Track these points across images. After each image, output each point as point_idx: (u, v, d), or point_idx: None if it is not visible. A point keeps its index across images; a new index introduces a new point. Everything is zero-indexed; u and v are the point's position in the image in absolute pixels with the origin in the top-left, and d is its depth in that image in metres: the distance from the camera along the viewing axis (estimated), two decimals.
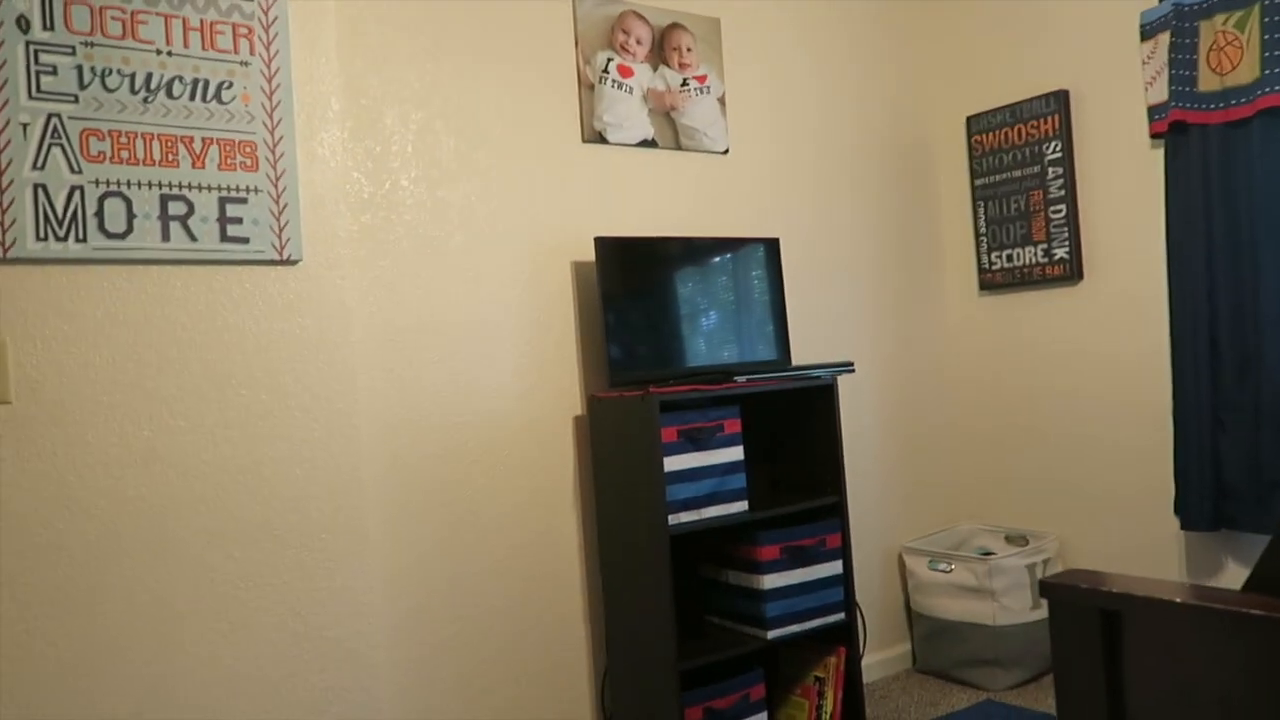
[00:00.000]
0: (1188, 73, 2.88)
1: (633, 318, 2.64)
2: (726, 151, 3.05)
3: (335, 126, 2.26)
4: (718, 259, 2.82)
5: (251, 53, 2.11)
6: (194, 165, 2.02)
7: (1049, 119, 3.30)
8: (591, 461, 2.68)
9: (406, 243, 2.44)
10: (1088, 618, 1.06)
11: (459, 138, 2.53)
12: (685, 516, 2.46)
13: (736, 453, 2.57)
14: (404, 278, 2.43)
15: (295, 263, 2.14)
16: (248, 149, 2.10)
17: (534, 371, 2.62)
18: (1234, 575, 2.89)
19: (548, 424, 2.64)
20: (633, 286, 2.65)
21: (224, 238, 2.05)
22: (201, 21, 2.05)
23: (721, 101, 3.04)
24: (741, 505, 2.56)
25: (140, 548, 1.90)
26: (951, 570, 3.19)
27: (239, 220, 2.06)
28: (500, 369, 2.56)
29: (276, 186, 2.13)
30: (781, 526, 2.65)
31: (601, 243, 2.59)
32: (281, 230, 2.13)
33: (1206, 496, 2.83)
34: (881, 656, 3.33)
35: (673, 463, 2.44)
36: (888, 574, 3.39)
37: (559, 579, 2.64)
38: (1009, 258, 3.45)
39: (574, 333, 2.70)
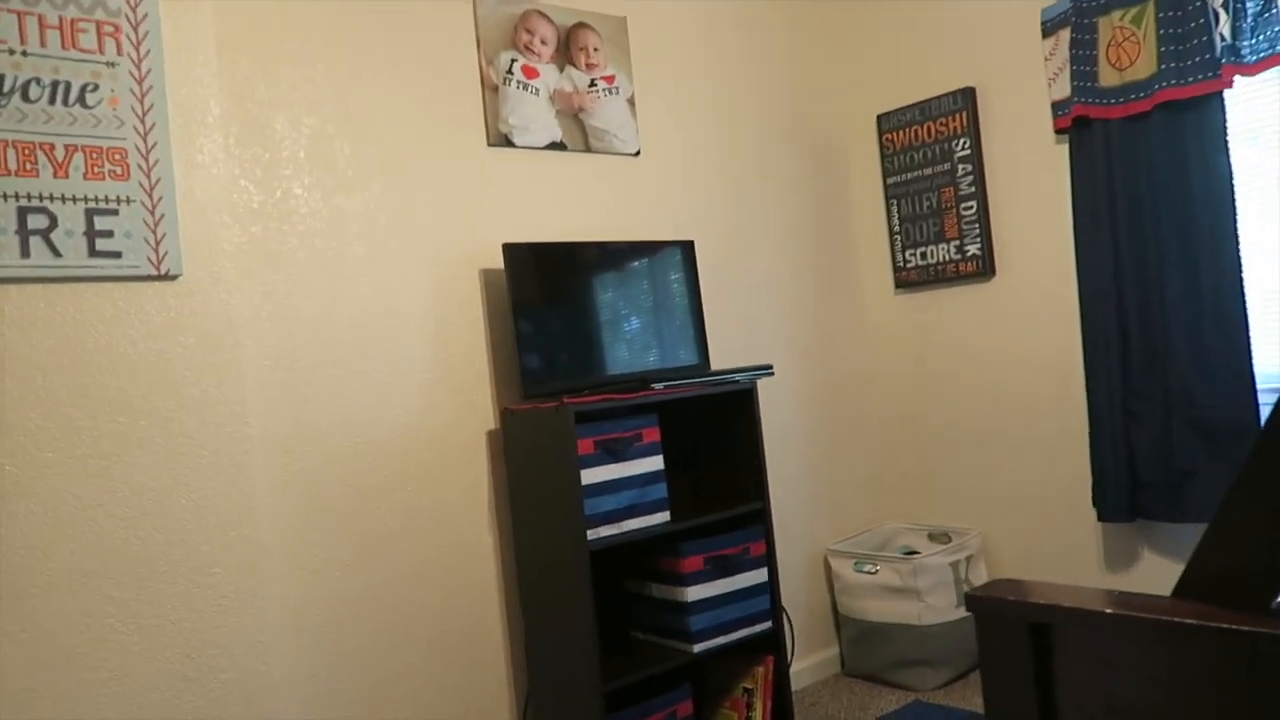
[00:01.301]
0: (1088, 68, 2.91)
1: (545, 326, 2.54)
2: (638, 153, 2.98)
3: (217, 131, 2.12)
4: (632, 263, 2.75)
5: (119, 53, 1.96)
6: (56, 175, 1.86)
7: (957, 116, 3.32)
8: (507, 476, 2.57)
9: (302, 254, 2.30)
10: (1015, 631, 1.01)
11: (356, 143, 2.41)
12: (605, 530, 2.37)
13: (656, 462, 2.49)
14: (300, 291, 2.29)
15: (174, 278, 1.99)
16: (117, 156, 1.94)
17: (443, 385, 2.50)
18: (1150, 564, 2.92)
19: (460, 439, 2.52)
20: (544, 294, 2.55)
21: (92, 252, 1.88)
22: (61, 19, 1.88)
23: (631, 102, 2.96)
24: (663, 516, 2.49)
25: (3, 594, 1.73)
26: (877, 571, 3.17)
27: (109, 233, 1.90)
28: (407, 384, 2.44)
29: (151, 196, 1.98)
30: (704, 536, 2.59)
31: (510, 249, 2.49)
32: (158, 243, 1.98)
33: (1122, 488, 2.86)
34: (810, 662, 3.29)
35: (590, 475, 2.35)
36: (813, 578, 3.36)
37: (476, 599, 2.52)
38: (923, 255, 3.45)
39: (485, 344, 2.59)
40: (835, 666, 3.37)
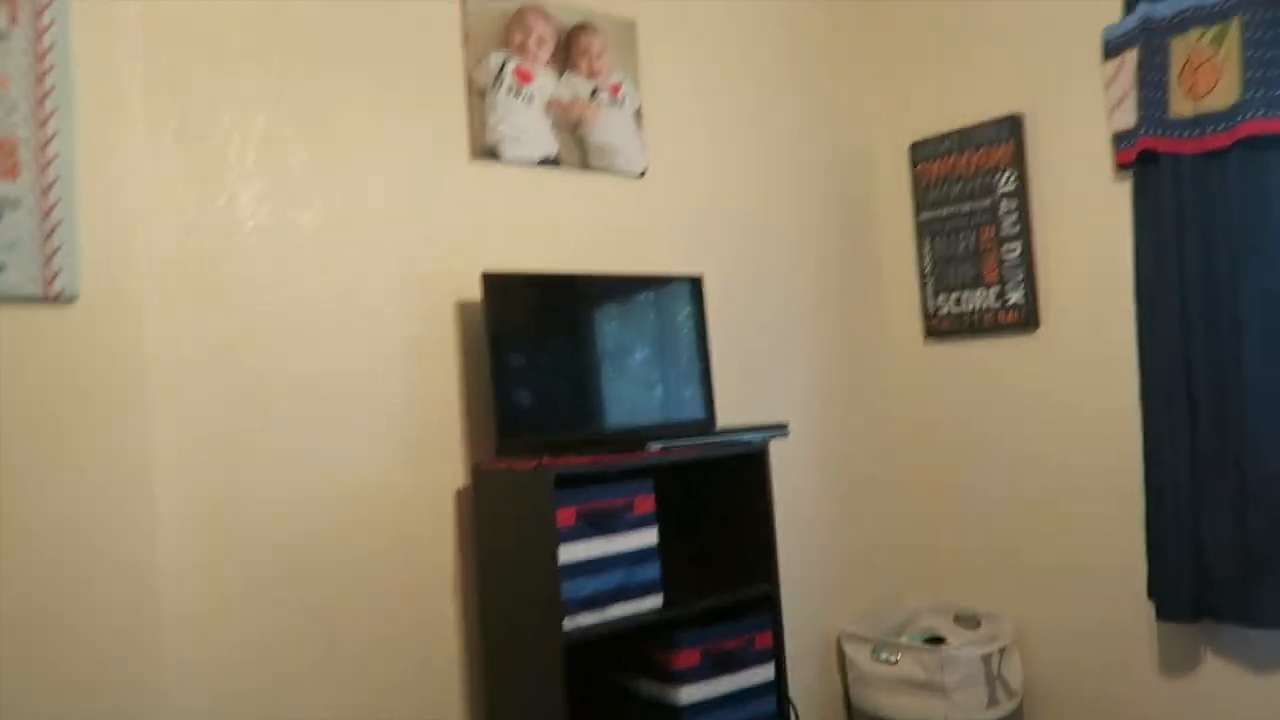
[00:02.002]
0: (1158, 95, 2.56)
1: (528, 371, 2.17)
2: (643, 174, 2.62)
3: (141, 124, 1.76)
4: (632, 300, 2.38)
5: (12, 22, 1.60)
6: None
7: (1001, 146, 2.96)
8: (475, 547, 2.19)
9: (244, 274, 1.94)
10: None
11: (316, 148, 2.05)
12: (585, 618, 1.98)
13: (649, 536, 2.11)
14: (239, 318, 1.92)
15: (69, 300, 1.63)
16: (4, 149, 1.58)
17: (406, 435, 2.13)
18: (1216, 671, 2.53)
19: (424, 498, 2.15)
20: (529, 332, 2.19)
21: None
22: None
23: (638, 116, 2.61)
24: (655, 601, 2.10)
25: None
26: (898, 662, 2.78)
27: None
28: (362, 432, 2.07)
29: (46, 198, 1.62)
30: (703, 625, 2.20)
31: (491, 280, 2.13)
32: (51, 257, 1.61)
33: (1186, 581, 2.47)
34: None
35: (571, 552, 1.97)
36: (825, 660, 2.96)
37: (434, 692, 2.13)
38: (957, 301, 3.08)
39: (458, 388, 2.22)
40: None
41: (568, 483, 2.05)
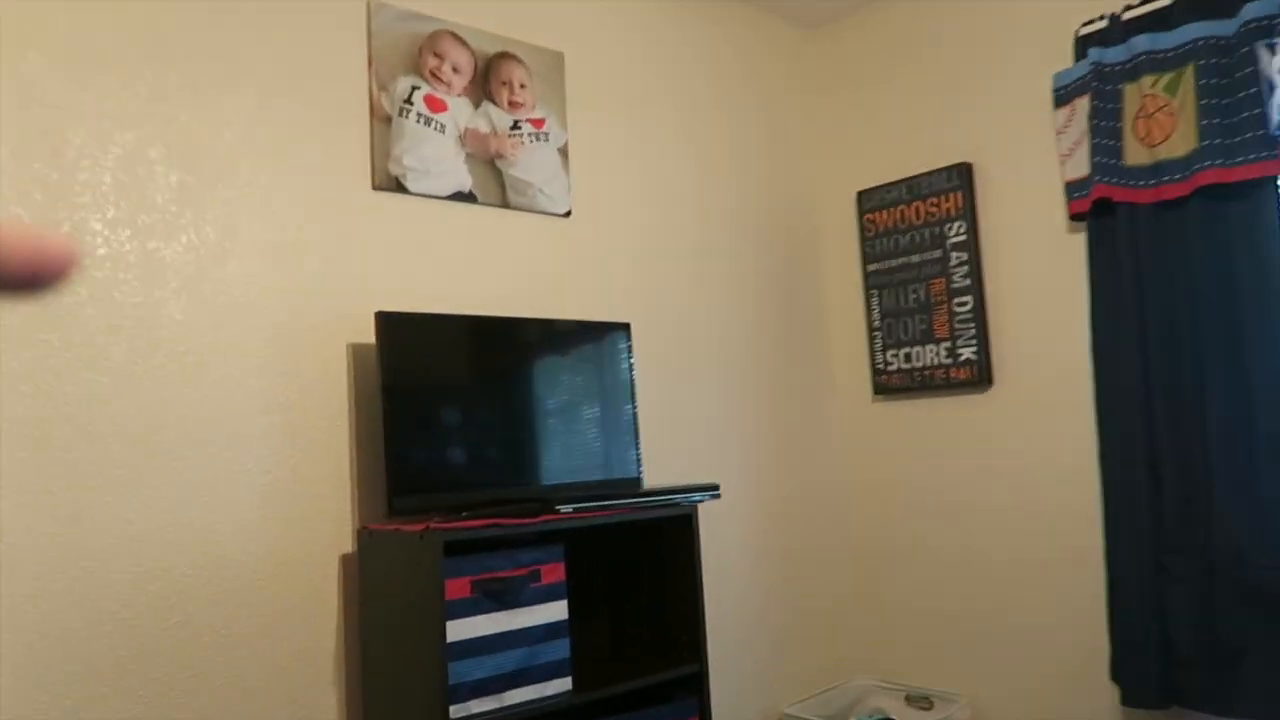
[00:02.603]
0: (1112, 143, 2.43)
1: (425, 422, 1.95)
2: (568, 214, 2.44)
3: None
4: (551, 347, 2.18)
5: None
6: None
7: (951, 196, 2.83)
8: (359, 622, 1.94)
9: (92, 310, 1.71)
10: None
11: (186, 172, 1.84)
12: (479, 705, 1.74)
13: (558, 610, 1.88)
14: (83, 359, 1.68)
15: None
16: None
17: (286, 494, 1.89)
18: None
19: (303, 566, 1.90)
20: (428, 380, 1.97)
21: None
22: None
23: (563, 153, 2.44)
24: (563, 684, 1.86)
25: None
26: None
27: None
28: (233, 491, 1.82)
29: None
30: (619, 711, 1.95)
31: (386, 320, 1.92)
32: None
33: (1152, 663, 2.27)
34: None
35: (463, 628, 1.73)
36: None
37: None
38: (907, 357, 2.91)
39: (348, 440, 1.99)
40: None
41: (462, 549, 1.82)
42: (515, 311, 2.29)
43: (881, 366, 2.97)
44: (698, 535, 2.11)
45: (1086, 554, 2.50)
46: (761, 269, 2.93)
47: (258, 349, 1.88)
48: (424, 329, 1.98)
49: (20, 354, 1.62)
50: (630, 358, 2.31)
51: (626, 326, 2.32)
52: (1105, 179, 2.43)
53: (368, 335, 2.04)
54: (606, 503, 1.94)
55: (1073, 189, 2.56)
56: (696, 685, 2.07)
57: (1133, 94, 2.41)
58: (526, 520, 1.81)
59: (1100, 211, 2.47)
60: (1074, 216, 2.56)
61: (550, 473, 2.12)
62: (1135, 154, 2.40)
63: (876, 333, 2.99)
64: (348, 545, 1.96)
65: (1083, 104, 2.52)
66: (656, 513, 2.05)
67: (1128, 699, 2.29)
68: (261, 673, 1.83)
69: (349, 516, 1.97)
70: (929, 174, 2.88)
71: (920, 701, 2.79)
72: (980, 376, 2.73)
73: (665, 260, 2.66)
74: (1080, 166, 2.53)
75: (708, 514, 2.65)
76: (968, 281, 2.78)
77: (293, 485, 1.90)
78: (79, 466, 1.66)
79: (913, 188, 2.92)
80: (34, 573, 1.60)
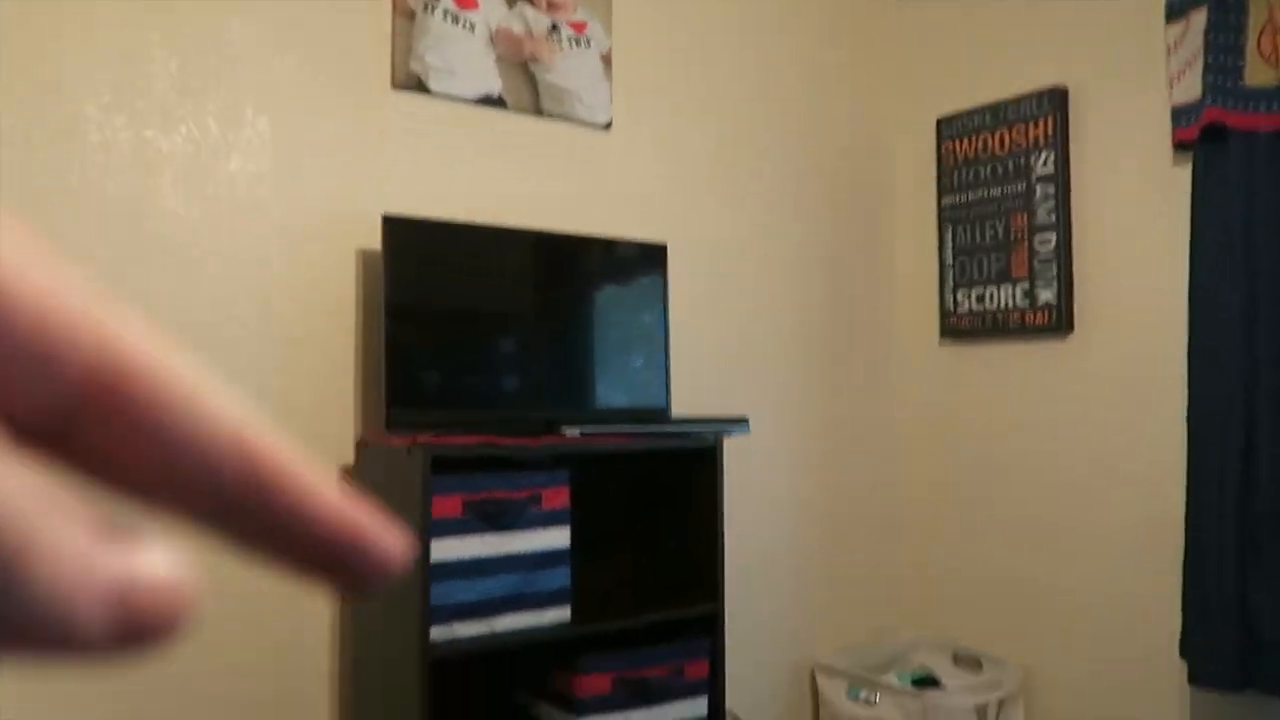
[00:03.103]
0: (1230, 62, 2.13)
1: (431, 334, 1.86)
2: (609, 125, 2.29)
3: None
4: (575, 264, 2.05)
5: None
6: None
7: (1041, 122, 2.55)
8: None
9: (82, 198, 1.66)
10: None
11: (187, 60, 1.76)
12: (463, 629, 1.65)
13: (559, 537, 1.78)
14: (71, 248, 1.64)
15: None
16: None
17: (283, 401, 1.83)
18: None
19: None
20: (436, 290, 1.87)
21: None
22: None
23: (606, 60, 2.28)
24: (560, 614, 1.77)
25: None
26: (876, 703, 2.38)
27: None
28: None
29: None
30: (621, 647, 1.85)
31: (393, 225, 1.82)
32: None
33: (1229, 644, 2.03)
34: None
35: (450, 548, 1.65)
36: (796, 696, 2.58)
37: (301, 704, 1.82)
38: (979, 299, 2.67)
39: (354, 349, 1.92)
40: None
41: (457, 467, 1.73)
42: (543, 225, 2.17)
43: (950, 308, 2.74)
44: (722, 470, 1.97)
45: (1164, 521, 2.26)
46: (822, 197, 2.72)
47: (258, 249, 1.81)
48: (434, 236, 1.87)
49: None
50: (665, 282, 2.16)
51: (663, 249, 2.17)
52: (1219, 102, 2.13)
53: (379, 242, 1.95)
54: (617, 428, 1.81)
55: (1180, 115, 2.26)
56: (710, 626, 1.95)
57: (1258, 5, 2.10)
58: (524, 441, 1.70)
59: (1211, 140, 2.17)
60: (1179, 146, 2.27)
61: (565, 395, 2.01)
62: (1258, 73, 2.10)
63: (948, 270, 2.75)
64: (348, 457, 1.90)
65: (1199, 18, 2.21)
66: (676, 443, 1.92)
67: (1197, 678, 2.06)
68: (252, 578, 1.79)
69: (351, 428, 1.90)
70: (1018, 99, 2.60)
71: (969, 662, 2.60)
72: (1059, 322, 2.48)
73: (713, 181, 2.49)
74: (1191, 89, 2.23)
75: (747, 453, 2.50)
76: (1052, 218, 2.51)
77: (291, 393, 1.84)
78: None
79: (998, 114, 2.65)
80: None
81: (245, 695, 1.77)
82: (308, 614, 1.84)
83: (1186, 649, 2.12)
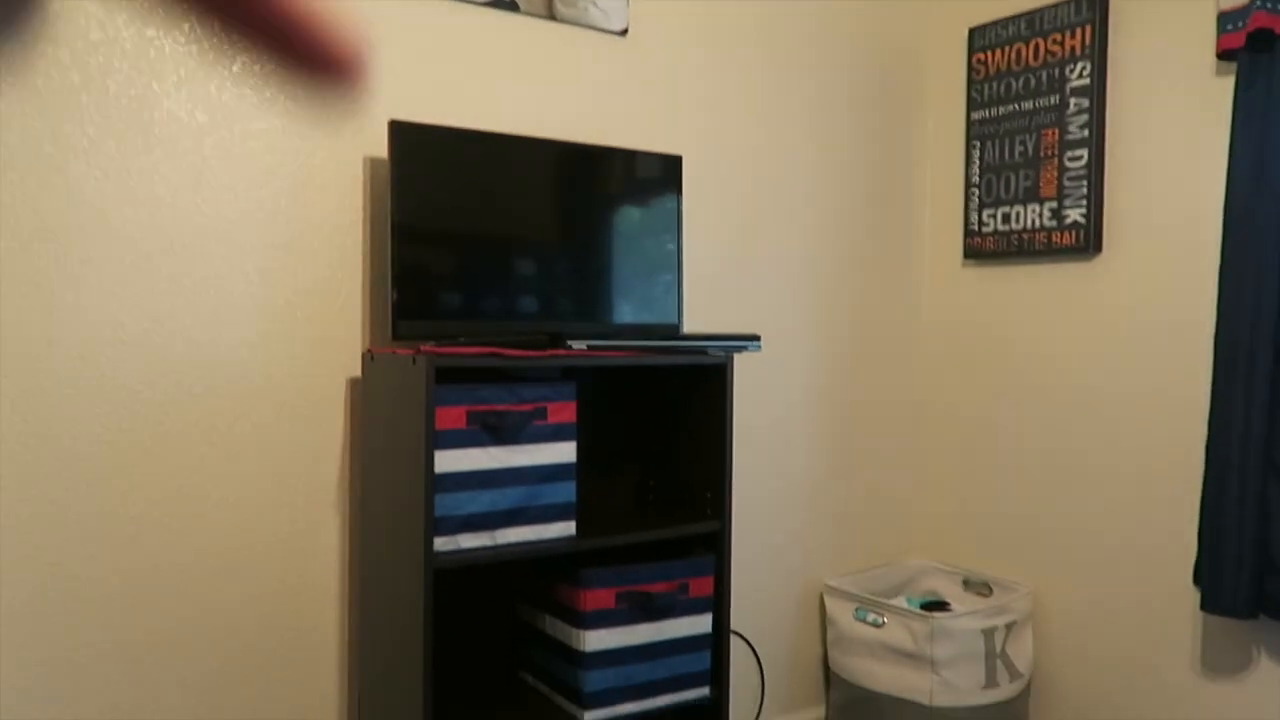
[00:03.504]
0: None
1: (438, 244, 1.82)
2: (624, 32, 2.20)
3: None
4: (586, 175, 2.00)
5: None
6: None
7: (1078, 32, 2.43)
8: (360, 448, 1.88)
9: (85, 97, 1.62)
10: None
11: None
12: (468, 540, 1.65)
13: (565, 451, 1.76)
14: (74, 150, 1.61)
15: None
16: None
17: (290, 311, 1.81)
18: (1266, 677, 2.07)
19: (307, 388, 1.84)
20: (444, 198, 1.83)
21: None
22: None
23: None
24: (565, 528, 1.76)
25: None
26: (883, 624, 2.39)
27: None
28: (232, 303, 1.75)
29: None
30: (625, 562, 1.85)
31: (400, 130, 1.77)
32: None
33: (1244, 569, 2.00)
34: None
35: (453, 460, 1.64)
36: (805, 617, 2.59)
37: (307, 610, 1.85)
38: (1005, 218, 2.59)
39: (361, 259, 1.88)
40: None
41: (462, 378, 1.71)
42: (554, 134, 2.10)
43: (975, 227, 2.66)
44: (731, 388, 1.94)
45: (1185, 448, 2.22)
46: (846, 110, 2.63)
47: (264, 155, 1.77)
48: (443, 143, 1.82)
49: (5, 138, 1.55)
50: (680, 195, 2.10)
51: (678, 160, 2.11)
52: (1268, 5, 2.01)
53: (384, 148, 1.90)
54: (625, 343, 1.78)
55: (1227, 19, 2.14)
56: (716, 543, 1.94)
57: None
58: (530, 353, 1.67)
59: (1256, 48, 2.06)
60: (1223, 55, 2.15)
61: (574, 310, 1.98)
62: None
63: (974, 189, 2.66)
64: (356, 369, 1.88)
65: None
66: (686, 360, 1.88)
67: (1208, 604, 2.04)
68: (267, 493, 1.79)
69: (358, 339, 1.89)
70: (1055, 6, 2.48)
71: (979, 587, 2.60)
72: (1087, 242, 2.40)
73: (734, 92, 2.40)
74: None
75: (761, 371, 2.47)
76: (1085, 133, 2.41)
77: (298, 303, 1.82)
78: (66, 262, 1.60)
79: (1034, 23, 2.53)
80: (21, 367, 1.58)
81: (253, 602, 1.79)
82: (316, 522, 1.85)
83: (1200, 576, 2.10)
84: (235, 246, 1.75)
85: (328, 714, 1.87)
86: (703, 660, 1.91)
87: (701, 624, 1.90)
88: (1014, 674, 2.40)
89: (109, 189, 1.63)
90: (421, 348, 1.61)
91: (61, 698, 1.61)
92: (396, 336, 1.77)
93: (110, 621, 1.65)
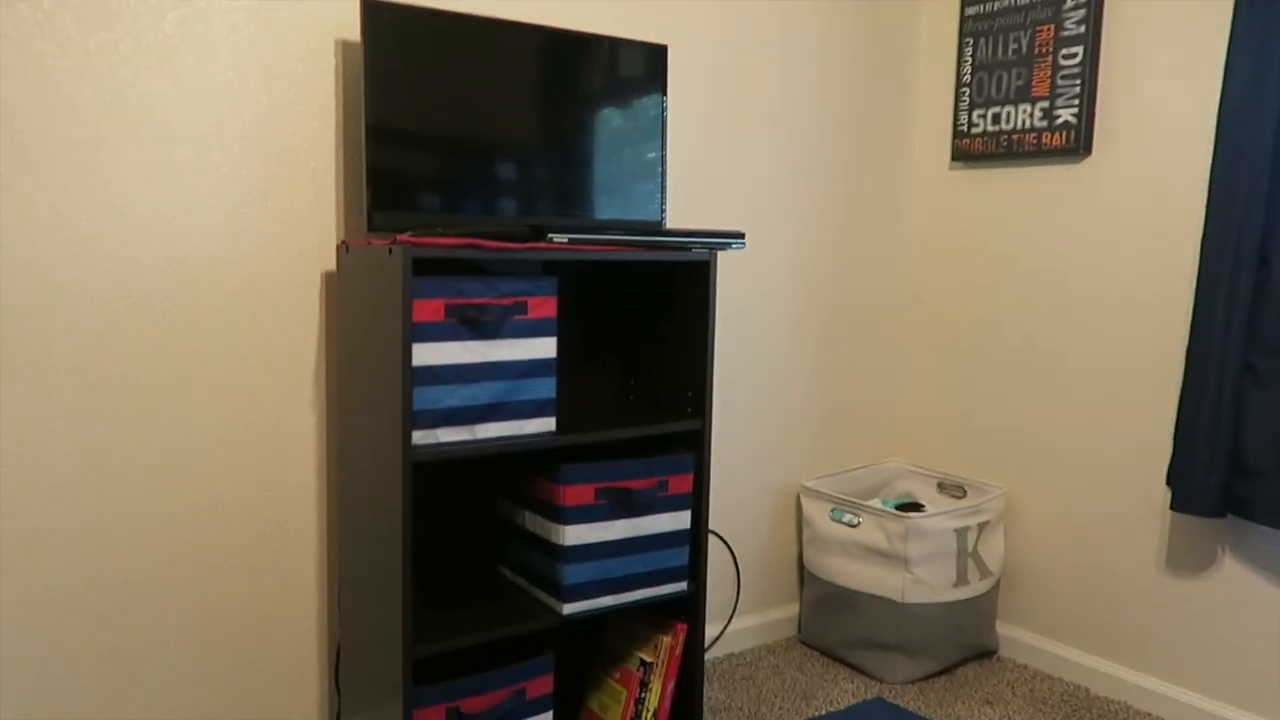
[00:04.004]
0: None
1: (416, 132, 1.76)
2: None
3: None
4: (569, 64, 1.92)
5: None
6: None
7: None
8: (337, 341, 1.85)
9: None
10: None
11: None
12: (447, 435, 1.64)
13: (545, 346, 1.74)
14: (29, 25, 1.52)
15: None
16: None
17: (260, 202, 1.75)
18: (1231, 576, 2.13)
19: (280, 282, 1.79)
20: (422, 84, 1.76)
21: None
22: None
23: None
24: (545, 423, 1.75)
25: None
26: (859, 524, 2.42)
27: None
28: (199, 190, 1.69)
29: None
30: (605, 459, 1.85)
31: (373, 9, 1.69)
32: None
33: (1215, 470, 2.03)
34: (761, 620, 2.60)
35: (432, 353, 1.61)
36: (781, 517, 2.62)
37: (285, 506, 1.84)
38: (995, 119, 2.54)
39: (333, 148, 1.82)
40: (792, 629, 2.68)
41: (434, 268, 1.67)
42: (533, 18, 2.02)
43: (964, 128, 2.61)
44: (713, 286, 1.91)
45: (1165, 352, 2.22)
46: (835, 5, 2.54)
47: (228, 38, 1.69)
48: (419, 25, 1.74)
49: (14, 32, 1.46)
50: (665, 86, 2.04)
51: (663, 50, 2.03)
52: None
53: (357, 32, 1.82)
54: (607, 237, 1.74)
55: None
56: (696, 441, 1.95)
57: None
58: (509, 245, 1.63)
59: None
60: None
61: (555, 204, 1.93)
62: None
63: (964, 89, 2.60)
64: (331, 262, 1.84)
65: None
66: (668, 256, 1.85)
67: (1179, 504, 2.08)
68: (236, 382, 1.77)
69: (333, 232, 1.83)
70: None
71: (953, 490, 2.63)
72: (1077, 143, 2.36)
73: None
74: None
75: (743, 272, 2.44)
76: (1081, 29, 2.35)
77: (270, 193, 1.76)
78: (25, 147, 1.53)
79: None
80: None
81: (228, 499, 1.78)
82: (293, 417, 1.83)
83: (1172, 477, 2.13)
84: (201, 134, 1.68)
85: (307, 609, 1.89)
86: (681, 556, 1.93)
87: (680, 521, 1.92)
88: (984, 572, 2.45)
89: (67, 67, 1.55)
90: (398, 238, 1.57)
91: (30, 586, 1.61)
92: (372, 228, 1.72)
93: (78, 511, 1.64)
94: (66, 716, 1.66)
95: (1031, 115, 2.45)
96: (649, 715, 1.97)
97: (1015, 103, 2.49)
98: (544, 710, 1.82)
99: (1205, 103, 2.15)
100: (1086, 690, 2.37)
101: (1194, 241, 2.17)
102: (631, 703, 1.99)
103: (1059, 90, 2.39)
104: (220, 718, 1.82)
